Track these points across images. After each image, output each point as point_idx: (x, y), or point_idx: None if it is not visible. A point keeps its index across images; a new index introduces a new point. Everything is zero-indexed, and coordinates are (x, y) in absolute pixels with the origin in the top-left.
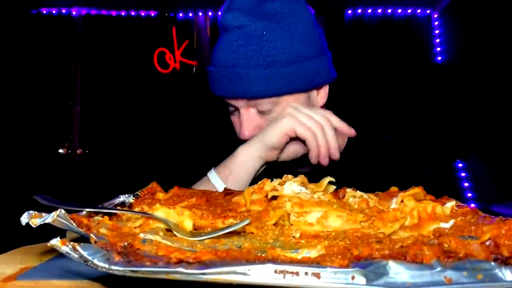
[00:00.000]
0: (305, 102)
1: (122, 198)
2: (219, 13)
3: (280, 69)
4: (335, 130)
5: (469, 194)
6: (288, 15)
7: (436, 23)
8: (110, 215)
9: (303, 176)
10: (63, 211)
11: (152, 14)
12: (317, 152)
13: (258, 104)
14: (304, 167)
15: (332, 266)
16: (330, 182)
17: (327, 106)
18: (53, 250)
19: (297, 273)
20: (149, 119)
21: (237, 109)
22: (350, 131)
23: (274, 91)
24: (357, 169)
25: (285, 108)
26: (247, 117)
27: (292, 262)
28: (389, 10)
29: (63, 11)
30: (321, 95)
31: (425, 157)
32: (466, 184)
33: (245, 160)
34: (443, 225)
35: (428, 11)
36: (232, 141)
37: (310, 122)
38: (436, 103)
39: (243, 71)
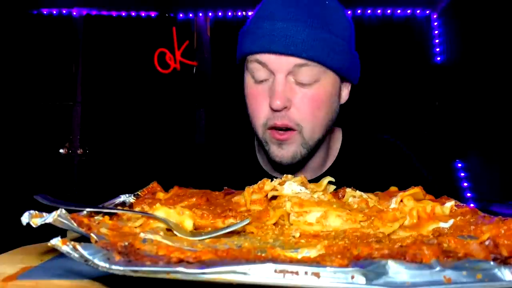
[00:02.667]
0: (336, 91)
1: (122, 198)
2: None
3: (336, 39)
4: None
5: (469, 194)
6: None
7: (436, 23)
8: (111, 215)
9: (303, 176)
10: (63, 211)
11: (152, 15)
12: None
13: (299, 74)
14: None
15: (331, 265)
16: (329, 182)
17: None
18: (53, 249)
19: (297, 273)
20: (149, 119)
21: (270, 75)
22: None
23: (326, 57)
24: (356, 169)
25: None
26: (284, 84)
27: (292, 261)
28: (389, 11)
29: (64, 11)
30: (345, 92)
31: (423, 157)
32: (465, 184)
33: None
34: (443, 224)
35: (427, 12)
36: (232, 141)
37: None
38: (435, 103)
39: (303, 28)
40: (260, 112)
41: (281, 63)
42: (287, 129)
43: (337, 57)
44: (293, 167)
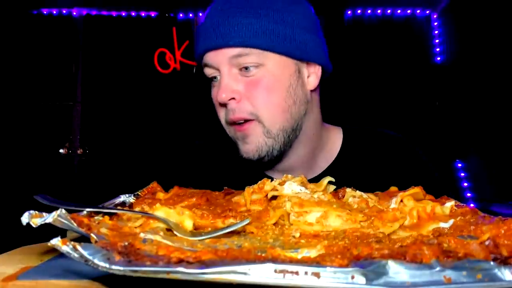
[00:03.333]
0: (289, 74)
1: (122, 198)
2: None
3: (272, 24)
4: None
5: (469, 194)
6: None
7: (436, 23)
8: (111, 215)
9: (303, 176)
10: (63, 211)
11: (153, 15)
12: None
13: (239, 63)
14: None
15: (331, 265)
16: (329, 182)
17: (323, 104)
18: (53, 250)
19: (297, 273)
20: (149, 119)
21: (216, 73)
22: None
23: (259, 40)
24: (359, 166)
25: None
26: (228, 77)
27: (292, 261)
28: (389, 11)
29: (64, 11)
30: (312, 77)
31: (427, 155)
32: (465, 184)
33: None
34: (443, 224)
35: (427, 12)
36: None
37: None
38: (435, 103)
39: (232, 17)
40: (219, 111)
41: (218, 58)
42: (246, 121)
43: (276, 39)
44: (270, 164)
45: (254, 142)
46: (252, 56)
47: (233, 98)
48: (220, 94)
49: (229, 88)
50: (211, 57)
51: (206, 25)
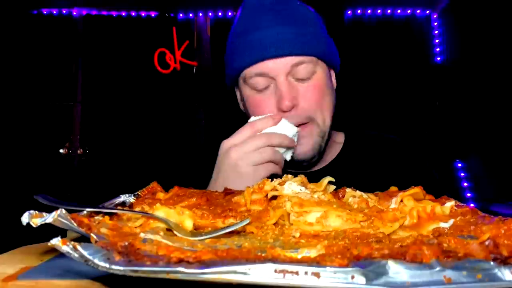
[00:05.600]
0: (329, 78)
1: (122, 198)
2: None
3: (315, 30)
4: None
5: (469, 194)
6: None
7: (436, 23)
8: (111, 215)
9: (303, 176)
10: (63, 211)
11: (153, 15)
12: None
13: (296, 72)
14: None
15: (331, 265)
16: (329, 182)
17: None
18: (53, 249)
19: (297, 273)
20: (149, 119)
21: (270, 80)
22: (290, 142)
23: (315, 49)
24: (362, 166)
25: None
26: (288, 85)
27: (292, 261)
28: (389, 11)
29: (64, 11)
30: (334, 77)
31: (427, 155)
32: (465, 184)
33: None
34: (443, 224)
35: (427, 12)
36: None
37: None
38: (435, 103)
39: (288, 29)
40: (283, 107)
41: (278, 66)
42: (300, 125)
43: (321, 46)
44: (310, 165)
45: (310, 143)
46: (309, 64)
47: (293, 105)
48: (283, 102)
49: (291, 95)
50: (270, 66)
51: (255, 36)
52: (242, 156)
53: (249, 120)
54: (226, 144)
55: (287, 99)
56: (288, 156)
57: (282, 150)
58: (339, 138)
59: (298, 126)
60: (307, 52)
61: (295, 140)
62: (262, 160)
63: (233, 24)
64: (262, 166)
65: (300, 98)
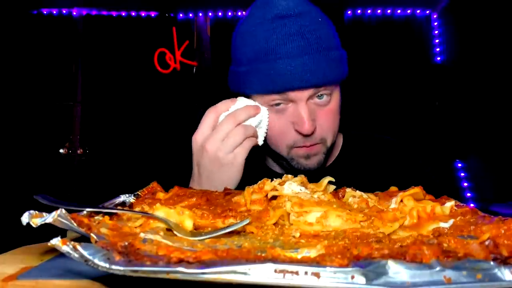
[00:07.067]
0: (340, 94)
1: (122, 198)
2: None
3: (336, 53)
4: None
5: (469, 194)
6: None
7: (436, 23)
8: (111, 215)
9: (302, 176)
10: (63, 211)
11: (153, 15)
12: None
13: (317, 97)
14: None
15: (331, 265)
16: (329, 182)
17: None
18: (53, 249)
19: (297, 273)
20: (149, 119)
21: (287, 105)
22: (255, 109)
23: (340, 75)
24: (360, 168)
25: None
26: (308, 110)
27: (292, 261)
28: (389, 11)
29: (64, 11)
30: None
31: (425, 157)
32: (465, 184)
33: None
34: (443, 224)
35: (427, 12)
36: None
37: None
38: (435, 103)
39: (314, 56)
40: (287, 137)
41: (303, 94)
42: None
43: (340, 70)
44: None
45: (317, 158)
46: (328, 89)
47: (313, 130)
48: (304, 128)
49: (311, 121)
50: (292, 94)
51: (279, 64)
52: (218, 146)
53: (223, 114)
54: (198, 138)
55: (309, 125)
56: (260, 140)
57: (253, 123)
58: (338, 139)
59: (308, 146)
60: (331, 81)
61: (266, 119)
62: (238, 142)
63: (245, 22)
64: (239, 148)
65: (318, 122)
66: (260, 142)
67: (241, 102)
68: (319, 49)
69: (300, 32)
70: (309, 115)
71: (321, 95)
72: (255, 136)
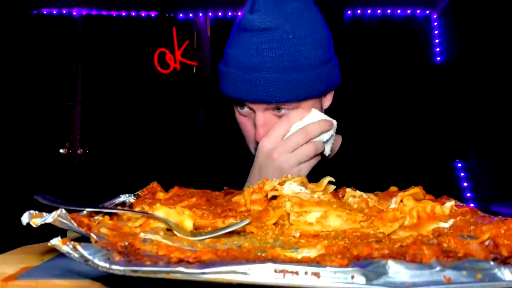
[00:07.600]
0: (319, 106)
1: (122, 198)
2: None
3: (305, 74)
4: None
5: (468, 194)
6: (307, 15)
7: (436, 23)
8: (111, 215)
9: (302, 176)
10: (63, 210)
11: (153, 15)
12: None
13: (278, 109)
14: None
15: (331, 265)
16: (329, 182)
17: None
18: (53, 249)
19: (297, 273)
20: (149, 119)
21: (251, 110)
22: (329, 124)
23: (298, 96)
24: (357, 170)
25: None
26: (264, 120)
27: (292, 261)
28: (389, 11)
29: (64, 11)
30: (328, 98)
31: (423, 157)
32: (465, 184)
33: None
34: (443, 224)
35: (427, 12)
36: (231, 141)
37: (299, 151)
38: (435, 103)
39: (270, 75)
40: (250, 138)
41: (258, 105)
42: None
43: (312, 87)
44: None
45: None
46: (292, 105)
47: None
48: (258, 134)
49: (266, 129)
50: (249, 103)
51: (241, 74)
52: (285, 158)
53: (296, 124)
54: (265, 144)
55: (263, 132)
56: (327, 149)
57: (324, 138)
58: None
59: None
60: (288, 100)
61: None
62: (306, 157)
63: (234, 27)
64: (305, 164)
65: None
66: (327, 153)
67: (315, 114)
68: (277, 67)
69: (260, 48)
70: (263, 123)
71: (280, 108)
72: (319, 153)
